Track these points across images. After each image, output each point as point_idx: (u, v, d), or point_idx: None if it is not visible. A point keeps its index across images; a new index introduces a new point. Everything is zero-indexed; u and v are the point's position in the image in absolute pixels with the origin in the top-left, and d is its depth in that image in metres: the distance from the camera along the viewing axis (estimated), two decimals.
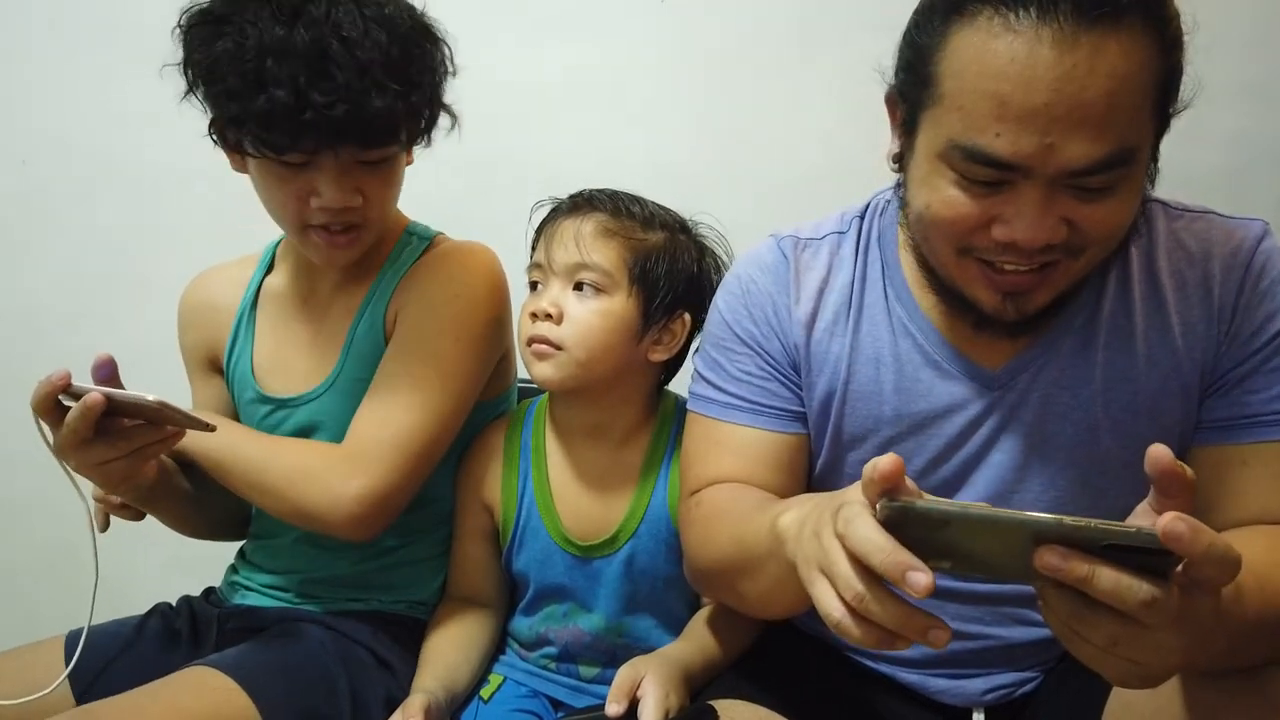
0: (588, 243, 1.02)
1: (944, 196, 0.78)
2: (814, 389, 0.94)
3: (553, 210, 1.08)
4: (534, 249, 1.08)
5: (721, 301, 0.99)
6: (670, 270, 1.04)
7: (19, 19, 1.63)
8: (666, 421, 1.10)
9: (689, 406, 1.01)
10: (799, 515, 0.72)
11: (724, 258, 1.12)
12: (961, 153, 0.75)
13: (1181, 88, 0.78)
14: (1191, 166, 1.33)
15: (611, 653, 1.09)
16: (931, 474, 0.92)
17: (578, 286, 1.02)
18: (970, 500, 0.83)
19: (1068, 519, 0.55)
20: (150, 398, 0.86)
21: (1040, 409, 0.88)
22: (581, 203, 1.06)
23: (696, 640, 1.01)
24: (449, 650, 1.08)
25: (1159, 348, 0.86)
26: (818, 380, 0.94)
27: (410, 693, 1.00)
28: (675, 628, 1.08)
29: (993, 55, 0.72)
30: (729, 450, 0.95)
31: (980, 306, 0.83)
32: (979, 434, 0.90)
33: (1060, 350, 0.88)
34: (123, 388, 0.91)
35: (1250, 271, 0.85)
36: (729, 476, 0.94)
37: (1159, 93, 0.74)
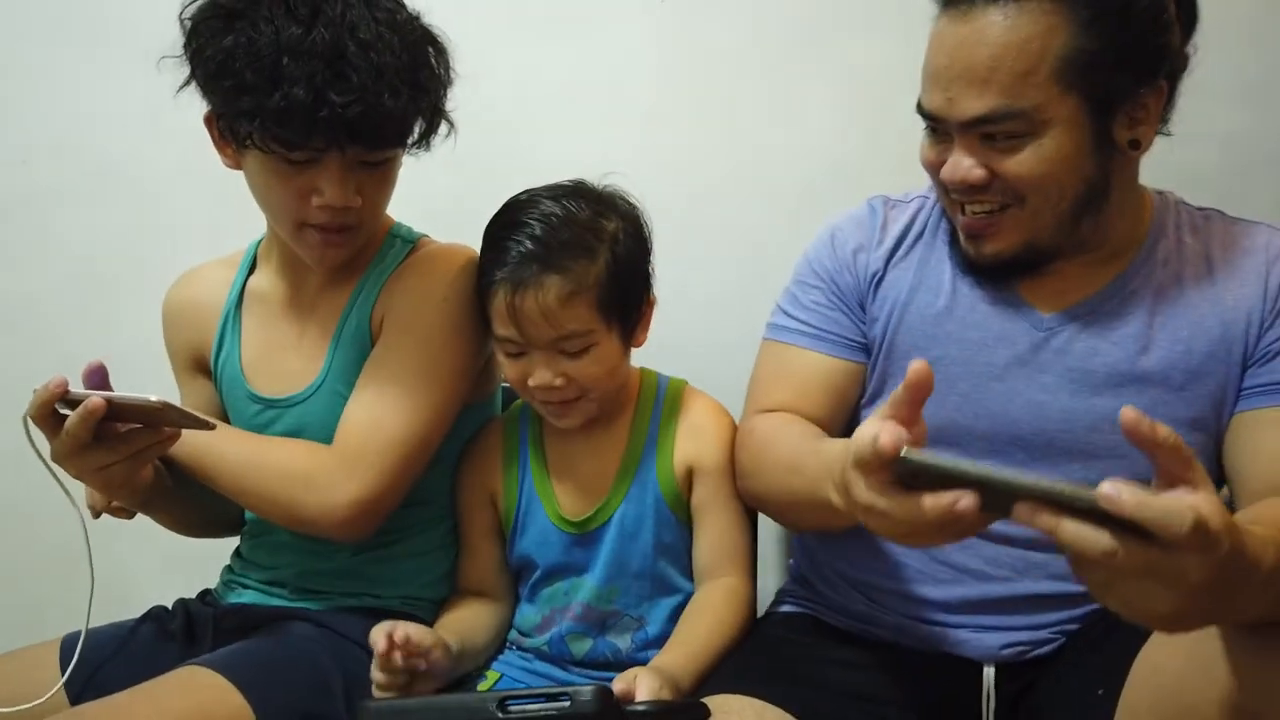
0: (557, 316, 1.01)
1: (923, 144, 0.98)
2: (882, 307, 1.05)
3: (497, 277, 1.03)
4: (487, 311, 1.05)
5: (810, 247, 1.11)
6: (626, 280, 1.05)
7: (19, 19, 1.63)
8: (649, 396, 1.14)
9: (763, 337, 1.11)
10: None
11: (635, 205, 1.10)
12: (918, 107, 0.95)
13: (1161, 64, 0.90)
14: (1191, 166, 1.33)
15: (602, 622, 1.11)
16: (978, 402, 0.99)
17: (562, 349, 1.03)
18: (1016, 431, 0.97)
19: (1038, 481, 0.61)
20: (153, 398, 0.87)
21: (1087, 357, 0.97)
22: (522, 262, 1.01)
23: (685, 648, 1.02)
24: (460, 624, 1.10)
25: (1209, 317, 0.96)
26: (886, 298, 1.04)
27: None
28: (666, 593, 1.11)
29: (933, 35, 0.93)
30: (789, 372, 1.07)
31: (960, 242, 1.00)
32: (1025, 370, 0.98)
33: (1108, 310, 0.98)
34: (113, 391, 0.91)
35: None
36: (786, 396, 1.05)
37: (1070, 63, 0.87)
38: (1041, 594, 0.97)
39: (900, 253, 1.06)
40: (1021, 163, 0.90)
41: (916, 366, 0.69)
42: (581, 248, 1.02)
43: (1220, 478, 0.98)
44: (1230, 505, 0.92)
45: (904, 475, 0.66)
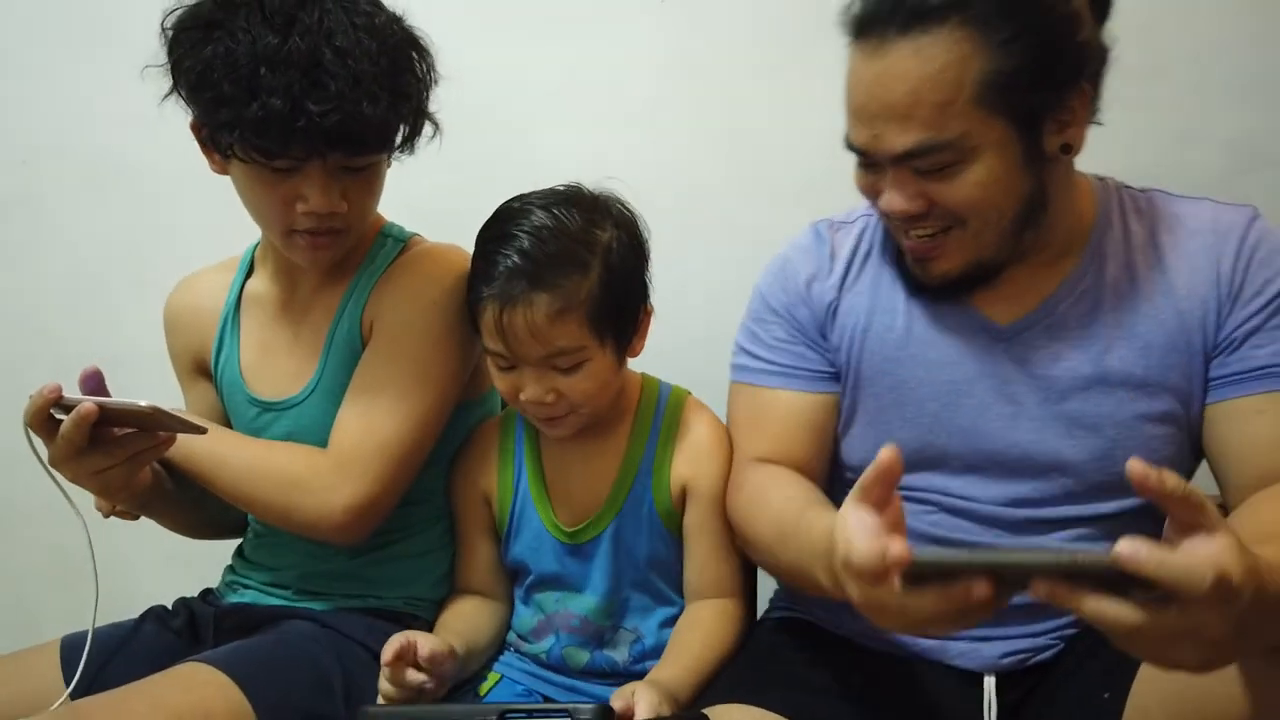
0: (546, 334, 0.97)
1: (856, 172, 0.95)
2: (842, 336, 1.03)
3: (485, 293, 0.99)
4: (476, 320, 1.02)
5: (762, 281, 1.09)
6: (620, 293, 1.02)
7: (19, 19, 1.63)
8: (648, 405, 1.12)
9: (731, 379, 1.08)
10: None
11: (632, 211, 1.06)
12: (845, 143, 0.93)
13: (1089, 66, 0.88)
14: (1191, 167, 1.33)
15: (599, 636, 1.10)
16: (950, 421, 0.98)
17: (553, 365, 1.00)
18: (992, 447, 0.96)
19: (1052, 557, 0.62)
20: (143, 403, 0.88)
21: (1050, 362, 0.96)
22: (510, 278, 0.97)
23: (680, 661, 1.02)
24: (462, 623, 1.10)
25: (1164, 308, 0.94)
26: (845, 326, 1.03)
27: None
28: (662, 603, 1.10)
29: (848, 69, 0.91)
30: (769, 415, 1.04)
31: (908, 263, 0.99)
32: (990, 383, 0.97)
33: (1064, 310, 0.96)
34: (110, 396, 0.92)
35: (1246, 242, 0.94)
36: (770, 443, 1.03)
37: (989, 86, 0.84)
38: (1036, 600, 0.96)
39: (851, 277, 1.04)
40: (957, 190, 0.88)
41: (884, 455, 0.68)
42: (572, 261, 0.98)
43: (1193, 470, 0.98)
44: (1221, 506, 0.92)
45: (910, 576, 0.65)
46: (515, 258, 0.98)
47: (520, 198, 1.05)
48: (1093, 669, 0.90)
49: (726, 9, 1.51)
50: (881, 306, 1.02)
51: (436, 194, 1.29)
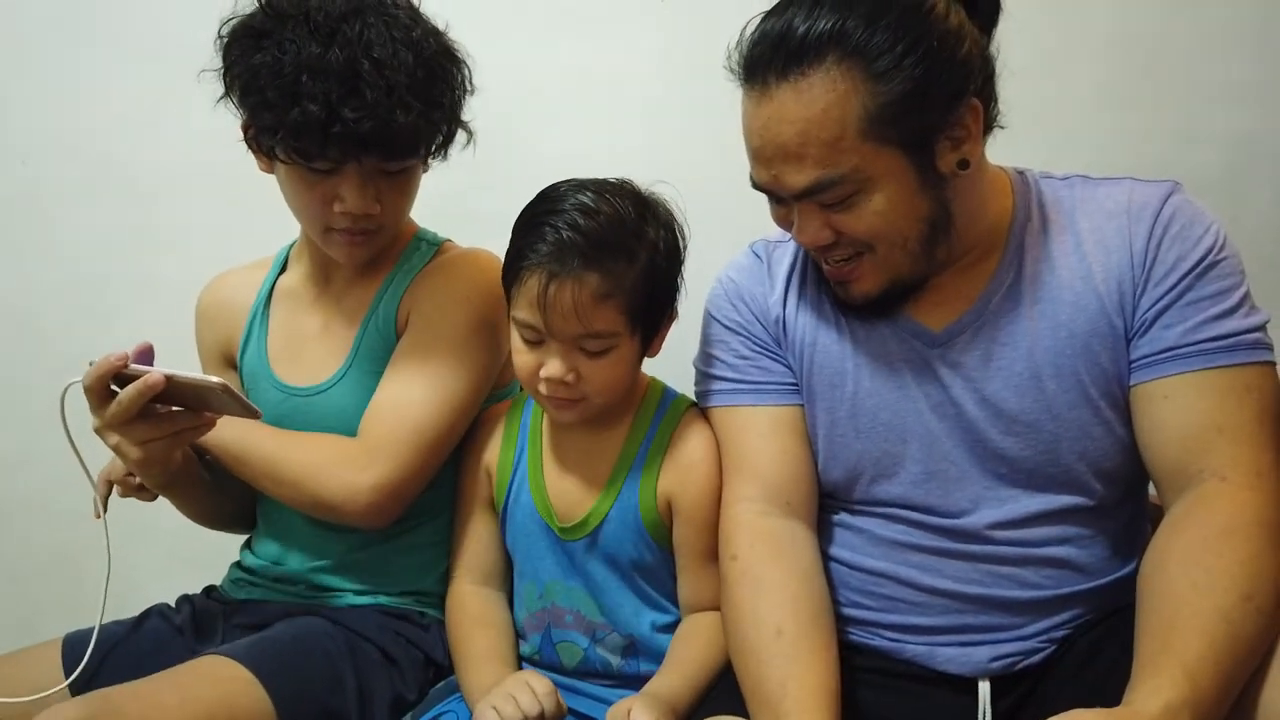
0: (589, 313, 0.98)
1: (770, 208, 0.99)
2: (792, 351, 1.05)
3: (533, 260, 0.99)
4: (511, 292, 1.02)
5: (710, 305, 1.11)
6: (660, 289, 1.03)
7: (19, 19, 1.63)
8: (648, 410, 1.11)
9: (704, 404, 1.09)
10: None
11: (675, 213, 1.07)
12: (751, 182, 0.96)
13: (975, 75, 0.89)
14: (1191, 167, 1.33)
15: (591, 632, 1.10)
16: (901, 428, 0.99)
17: (582, 346, 1.01)
18: (943, 451, 0.97)
19: None
20: (214, 379, 0.91)
21: (983, 363, 0.97)
22: (563, 251, 0.97)
23: (679, 670, 1.01)
24: (499, 639, 1.11)
25: (1085, 294, 0.94)
26: (794, 343, 1.05)
27: (489, 685, 0.98)
28: (652, 606, 1.10)
29: (742, 114, 0.94)
30: (748, 436, 1.04)
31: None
32: (932, 387, 0.98)
33: (992, 310, 0.97)
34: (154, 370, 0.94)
35: (1160, 220, 0.93)
36: (758, 469, 1.02)
37: (874, 119, 0.86)
38: (1018, 600, 0.96)
39: (792, 294, 1.06)
40: (859, 219, 0.91)
41: None
42: (623, 248, 0.99)
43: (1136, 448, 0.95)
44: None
45: None
46: (570, 232, 0.98)
47: (569, 181, 1.05)
48: (1089, 676, 0.90)
49: (726, 9, 1.51)
50: (824, 322, 1.03)
51: (438, 191, 1.29)
